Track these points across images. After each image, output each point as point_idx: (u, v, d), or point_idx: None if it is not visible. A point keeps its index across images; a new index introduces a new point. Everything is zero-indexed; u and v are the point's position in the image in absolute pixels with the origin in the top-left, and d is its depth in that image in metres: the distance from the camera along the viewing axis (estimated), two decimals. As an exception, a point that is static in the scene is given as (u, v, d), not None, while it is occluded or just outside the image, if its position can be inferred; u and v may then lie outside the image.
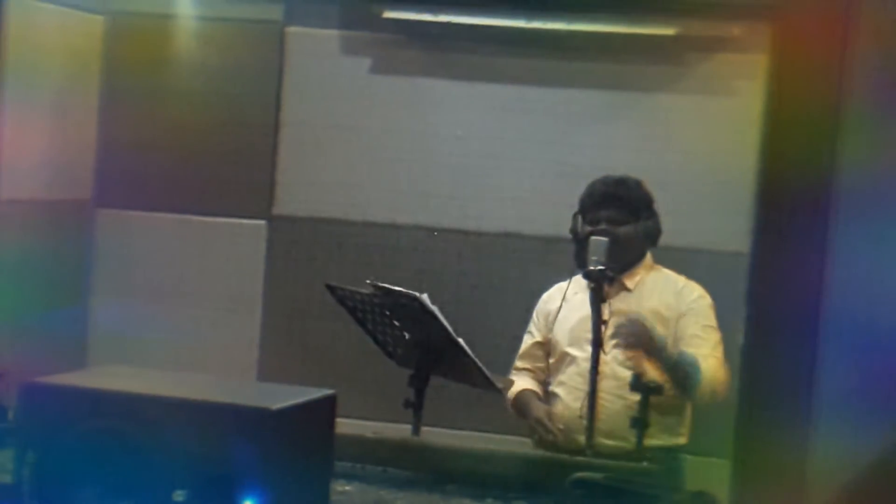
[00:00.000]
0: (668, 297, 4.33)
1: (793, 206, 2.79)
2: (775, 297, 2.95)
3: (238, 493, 2.14)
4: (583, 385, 4.13)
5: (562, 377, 4.36)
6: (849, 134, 2.43)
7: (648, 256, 4.39)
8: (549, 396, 4.43)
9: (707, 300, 4.31)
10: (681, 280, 4.37)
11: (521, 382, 4.47)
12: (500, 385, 4.17)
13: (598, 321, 3.85)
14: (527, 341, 4.57)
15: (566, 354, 4.36)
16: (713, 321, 4.29)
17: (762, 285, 3.10)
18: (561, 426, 4.26)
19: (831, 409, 2.47)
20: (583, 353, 4.24)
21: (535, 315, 4.56)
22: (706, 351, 4.22)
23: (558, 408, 4.34)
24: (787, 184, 2.90)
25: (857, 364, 2.44)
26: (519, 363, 4.56)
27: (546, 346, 4.47)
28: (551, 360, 4.44)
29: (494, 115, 5.60)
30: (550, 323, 4.43)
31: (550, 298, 4.51)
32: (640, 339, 4.09)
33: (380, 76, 5.72)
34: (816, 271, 2.51)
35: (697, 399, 4.21)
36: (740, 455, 3.13)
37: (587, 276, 3.95)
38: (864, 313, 2.44)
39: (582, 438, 4.07)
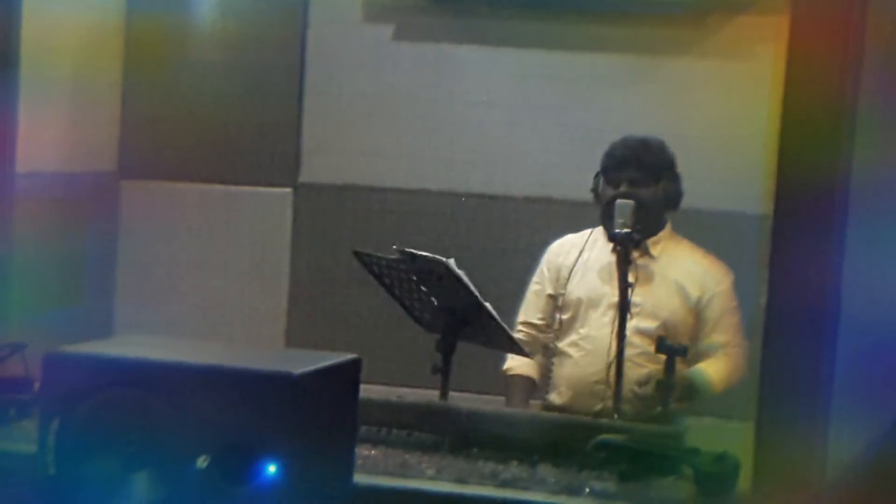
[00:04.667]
0: (693, 274, 4.29)
1: (808, 204, 2.80)
2: (794, 290, 2.96)
3: (261, 460, 2.15)
4: (602, 347, 4.14)
5: (574, 337, 4.31)
6: (864, 127, 2.43)
7: (670, 224, 4.36)
8: (556, 354, 4.39)
9: (730, 279, 4.28)
10: (705, 257, 4.32)
11: (521, 360, 4.36)
12: (526, 349, 4.17)
13: (624, 284, 3.84)
14: (535, 293, 4.49)
15: (582, 314, 4.32)
16: (734, 301, 4.29)
17: (780, 279, 3.10)
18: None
19: (848, 387, 2.48)
20: (600, 315, 4.24)
21: (543, 267, 4.48)
22: (727, 338, 4.25)
23: (567, 369, 4.31)
24: (803, 180, 2.90)
25: (872, 345, 2.45)
26: (524, 317, 4.48)
27: (556, 301, 4.41)
28: (564, 317, 4.37)
29: (518, 80, 5.59)
30: (564, 279, 4.38)
31: (563, 252, 4.44)
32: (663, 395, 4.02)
33: (403, 42, 5.71)
34: (832, 267, 2.52)
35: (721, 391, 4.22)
36: (763, 420, 3.14)
37: (613, 238, 3.95)
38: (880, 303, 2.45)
39: (594, 402, 4.10)
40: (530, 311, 4.48)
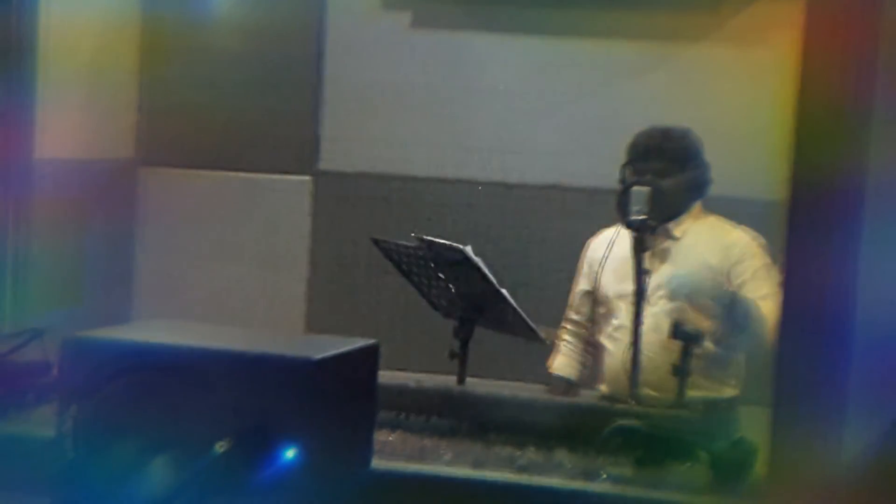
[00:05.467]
0: (716, 246, 4.29)
1: (823, 194, 2.79)
2: (810, 278, 2.95)
3: (280, 444, 2.15)
4: (626, 336, 4.14)
5: (609, 329, 4.35)
6: (881, 118, 2.42)
7: (698, 206, 4.35)
8: (597, 349, 4.43)
9: (759, 241, 4.24)
10: (731, 228, 4.31)
11: (562, 361, 4.50)
12: (542, 335, 4.17)
13: (640, 271, 3.83)
14: (575, 291, 4.55)
15: (612, 305, 4.35)
16: (768, 259, 4.22)
17: (796, 268, 3.09)
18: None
19: (864, 376, 2.47)
20: (629, 305, 4.23)
21: (582, 263, 4.53)
22: (766, 290, 4.17)
23: (607, 360, 4.35)
24: (818, 170, 2.89)
25: (888, 336, 2.45)
26: (569, 314, 4.55)
27: (593, 295, 4.44)
28: (601, 311, 4.40)
29: (534, 69, 5.59)
30: (596, 272, 4.40)
31: (597, 246, 4.46)
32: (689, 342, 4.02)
33: (421, 31, 5.71)
34: (848, 256, 2.51)
35: (757, 340, 4.15)
36: (779, 405, 3.13)
37: (629, 224, 3.94)
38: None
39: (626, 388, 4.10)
40: (571, 308, 4.56)
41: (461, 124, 5.67)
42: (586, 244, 4.55)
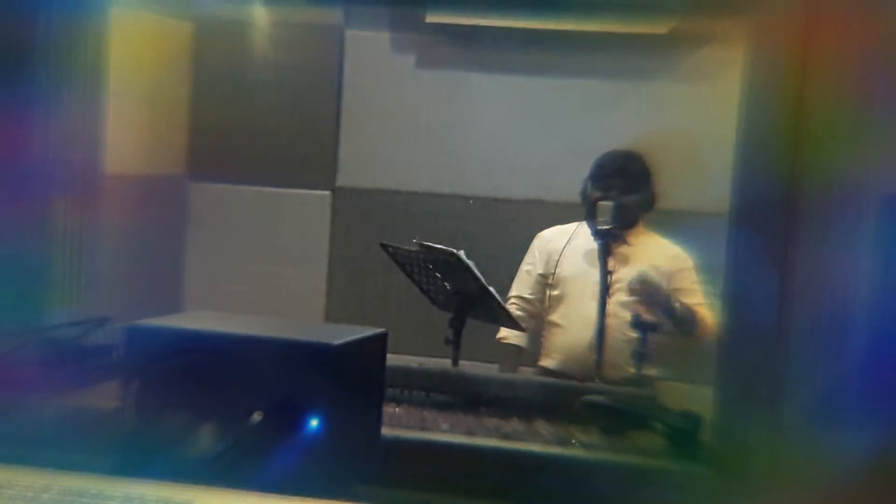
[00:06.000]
0: (662, 254, 4.29)
1: (760, 207, 2.79)
2: (748, 277, 2.94)
3: (305, 415, 2.14)
4: (585, 321, 4.14)
5: (563, 310, 4.31)
6: (812, 138, 2.42)
7: (645, 220, 4.35)
8: (547, 325, 4.39)
9: (692, 262, 4.27)
10: (672, 246, 4.31)
11: (510, 334, 4.42)
12: (522, 325, 4.17)
13: (605, 271, 3.84)
14: (526, 272, 4.48)
15: (570, 291, 4.32)
16: (696, 279, 4.25)
17: (737, 268, 3.08)
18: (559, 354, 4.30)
19: (795, 360, 2.47)
20: (585, 292, 4.23)
21: (534, 251, 4.48)
22: (698, 300, 4.20)
23: (558, 338, 4.31)
24: (756, 188, 2.89)
25: (817, 327, 2.44)
26: (516, 292, 4.48)
27: (548, 280, 4.39)
28: (554, 293, 4.36)
29: (517, 102, 5.59)
30: (555, 260, 4.37)
31: (554, 237, 4.44)
32: (654, 296, 4.05)
33: (423, 70, 5.71)
34: (784, 257, 2.51)
35: (697, 340, 4.16)
36: (721, 383, 3.13)
37: (597, 234, 3.94)
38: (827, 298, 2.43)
39: (582, 366, 4.10)
40: (522, 287, 4.48)
41: (456, 148, 5.67)
42: (539, 235, 4.52)
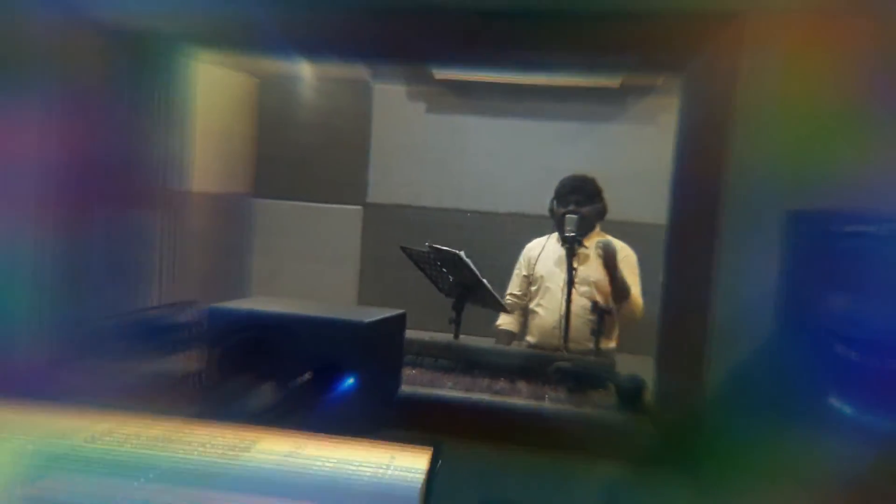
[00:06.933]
0: None
1: (693, 225, 2.77)
2: (683, 276, 2.93)
3: (343, 376, 2.14)
4: (556, 307, 4.14)
5: (541, 300, 4.31)
6: (733, 166, 2.40)
7: (598, 227, 4.35)
8: (529, 312, 4.38)
9: (634, 256, 4.26)
10: (622, 243, 4.30)
11: (506, 320, 4.43)
12: (508, 308, 4.16)
13: (570, 269, 3.82)
14: (516, 275, 4.49)
15: (544, 285, 4.32)
16: (637, 270, 4.24)
17: (674, 268, 3.07)
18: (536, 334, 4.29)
19: (720, 339, 2.45)
20: (556, 285, 4.23)
21: (521, 258, 4.49)
22: (634, 283, 4.19)
23: (536, 321, 4.31)
24: (689, 202, 2.87)
25: (740, 317, 2.41)
26: (510, 290, 4.48)
27: (529, 279, 4.41)
28: (533, 288, 4.37)
29: (505, 138, 5.58)
30: (533, 263, 4.38)
31: (533, 247, 4.47)
32: (609, 256, 4.05)
33: (432, 114, 5.71)
34: (711, 259, 2.49)
35: (628, 312, 4.14)
36: (660, 355, 3.12)
37: (564, 240, 3.92)
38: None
39: (554, 341, 4.08)
40: (514, 287, 4.49)
41: (457, 172, 5.66)
42: (526, 246, 4.52)
